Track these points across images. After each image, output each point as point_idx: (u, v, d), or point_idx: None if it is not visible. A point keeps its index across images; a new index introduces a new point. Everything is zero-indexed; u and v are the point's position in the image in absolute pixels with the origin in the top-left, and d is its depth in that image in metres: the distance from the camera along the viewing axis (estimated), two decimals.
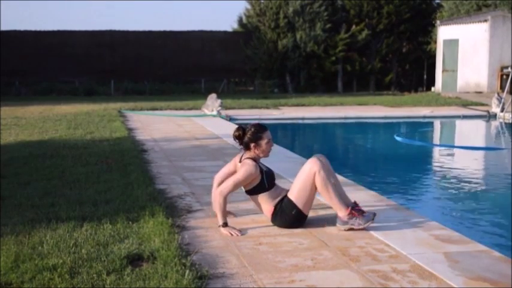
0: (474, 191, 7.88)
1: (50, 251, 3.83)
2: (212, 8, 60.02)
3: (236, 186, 4.51)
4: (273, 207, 4.54)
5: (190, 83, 25.31)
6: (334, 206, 4.48)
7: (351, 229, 4.38)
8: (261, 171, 4.58)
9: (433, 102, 18.89)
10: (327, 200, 4.54)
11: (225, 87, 24.89)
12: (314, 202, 4.92)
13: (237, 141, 4.69)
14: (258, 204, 4.64)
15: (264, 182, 4.56)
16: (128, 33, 25.62)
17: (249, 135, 4.60)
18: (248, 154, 4.64)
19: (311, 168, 4.45)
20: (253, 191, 4.60)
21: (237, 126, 4.79)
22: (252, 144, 4.59)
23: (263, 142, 4.59)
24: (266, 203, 4.58)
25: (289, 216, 4.48)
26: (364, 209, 4.57)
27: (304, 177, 4.49)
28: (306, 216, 4.57)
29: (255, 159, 4.62)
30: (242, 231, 4.37)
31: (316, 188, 4.49)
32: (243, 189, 4.65)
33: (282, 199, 4.56)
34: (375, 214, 4.41)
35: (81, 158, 7.60)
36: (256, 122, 4.87)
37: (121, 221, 4.49)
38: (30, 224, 4.42)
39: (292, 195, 4.52)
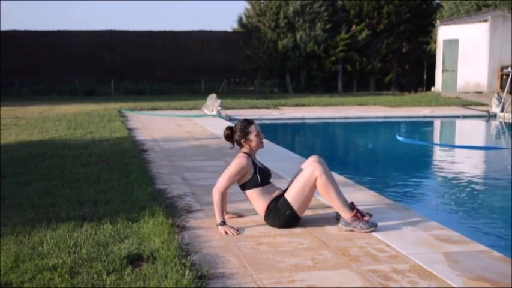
0: (474, 191, 7.87)
1: (50, 251, 3.83)
2: (212, 8, 60.07)
3: (230, 179, 4.52)
4: (266, 205, 4.55)
5: (190, 83, 25.31)
6: (337, 209, 4.48)
7: (352, 230, 4.39)
8: (255, 165, 4.61)
9: (433, 102, 18.89)
10: (330, 203, 4.55)
11: (225, 87, 24.89)
12: (314, 202, 4.93)
13: (228, 140, 4.75)
14: (252, 201, 4.64)
15: (256, 176, 4.57)
16: (128, 33, 25.61)
17: (237, 133, 4.66)
18: (243, 150, 4.68)
19: (312, 172, 4.46)
20: (246, 185, 4.61)
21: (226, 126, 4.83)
22: (243, 140, 4.64)
23: (252, 136, 4.64)
24: (259, 199, 4.58)
25: (283, 216, 4.48)
26: (365, 210, 4.60)
27: (304, 180, 4.49)
28: (300, 217, 4.57)
29: (250, 154, 4.66)
30: (239, 230, 4.38)
31: (314, 191, 4.51)
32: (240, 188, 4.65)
33: (278, 198, 4.56)
34: (376, 225, 4.42)
35: (81, 158, 7.60)
36: (243, 118, 4.91)
37: (121, 221, 4.49)
38: (30, 224, 4.42)
39: (289, 196, 4.51)
